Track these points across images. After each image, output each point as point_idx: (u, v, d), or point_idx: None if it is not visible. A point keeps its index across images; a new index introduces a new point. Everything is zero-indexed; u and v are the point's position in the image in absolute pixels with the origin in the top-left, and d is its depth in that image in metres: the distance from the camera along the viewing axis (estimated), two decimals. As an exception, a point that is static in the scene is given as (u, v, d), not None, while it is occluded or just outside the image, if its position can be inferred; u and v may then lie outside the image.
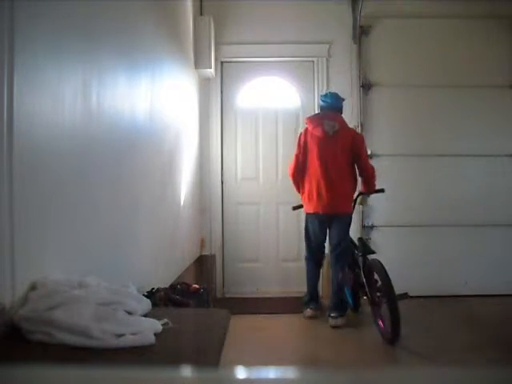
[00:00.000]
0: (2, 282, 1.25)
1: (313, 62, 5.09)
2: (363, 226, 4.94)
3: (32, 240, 1.38)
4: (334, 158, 4.00)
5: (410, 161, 4.98)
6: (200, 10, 4.92)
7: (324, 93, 4.40)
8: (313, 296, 4.23)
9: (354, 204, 4.17)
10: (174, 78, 3.74)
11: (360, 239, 4.18)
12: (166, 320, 1.35)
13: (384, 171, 4.71)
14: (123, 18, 2.33)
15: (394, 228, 4.96)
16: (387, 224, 4.96)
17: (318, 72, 5.06)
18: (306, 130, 4.13)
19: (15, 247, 1.28)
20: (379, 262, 3.72)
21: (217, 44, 4.87)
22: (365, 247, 4.05)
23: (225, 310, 1.63)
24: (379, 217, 4.97)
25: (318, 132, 4.02)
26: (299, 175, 4.12)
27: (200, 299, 2.36)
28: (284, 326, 4.06)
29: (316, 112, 4.51)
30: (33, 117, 1.41)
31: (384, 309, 3.59)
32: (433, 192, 4.95)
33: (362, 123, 4.94)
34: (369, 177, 4.10)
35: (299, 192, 4.18)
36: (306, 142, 4.08)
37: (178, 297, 2.21)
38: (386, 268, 3.62)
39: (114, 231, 2.13)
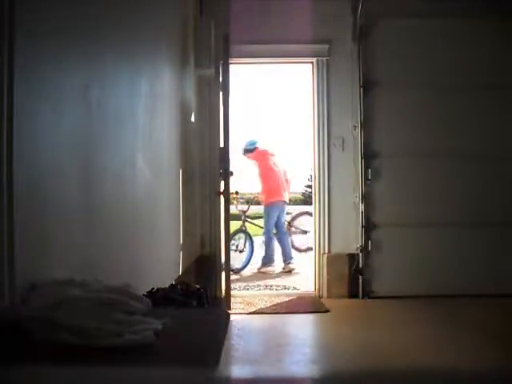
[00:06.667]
0: (1, 281, 1.26)
1: (312, 62, 5.09)
2: (363, 226, 4.94)
3: (32, 240, 1.38)
4: None
5: (410, 160, 4.96)
6: (200, 10, 4.91)
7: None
8: None
9: None
10: (174, 78, 3.74)
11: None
12: (166, 320, 1.35)
13: (384, 171, 4.70)
14: (124, 17, 2.33)
15: (395, 228, 4.94)
16: (388, 224, 4.95)
17: (317, 72, 5.06)
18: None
19: (15, 247, 1.28)
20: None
21: (217, 44, 4.86)
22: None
23: (225, 309, 1.63)
24: (379, 217, 4.96)
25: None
26: None
27: (200, 299, 2.36)
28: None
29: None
30: (33, 121, 1.41)
31: None
32: (434, 192, 4.94)
33: (363, 123, 4.93)
34: None
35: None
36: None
37: (178, 297, 2.21)
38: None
39: (114, 231, 2.14)
